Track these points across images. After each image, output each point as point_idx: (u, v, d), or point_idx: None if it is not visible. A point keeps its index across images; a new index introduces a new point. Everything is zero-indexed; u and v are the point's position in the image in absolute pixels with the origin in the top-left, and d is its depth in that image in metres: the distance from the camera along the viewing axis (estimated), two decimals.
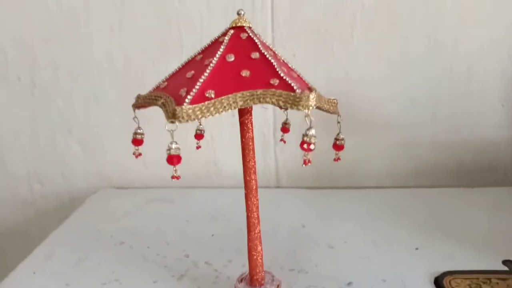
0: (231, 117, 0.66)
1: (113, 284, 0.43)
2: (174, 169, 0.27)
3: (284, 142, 0.42)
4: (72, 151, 0.70)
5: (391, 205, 0.59)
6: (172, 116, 0.26)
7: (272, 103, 0.26)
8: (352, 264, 0.45)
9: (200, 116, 0.26)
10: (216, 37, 0.32)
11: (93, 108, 0.68)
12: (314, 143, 0.26)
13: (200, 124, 0.40)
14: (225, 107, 0.27)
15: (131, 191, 0.67)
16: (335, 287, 0.41)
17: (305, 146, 0.26)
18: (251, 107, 0.34)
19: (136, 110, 0.33)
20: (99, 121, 0.68)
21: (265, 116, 0.67)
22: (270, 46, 0.32)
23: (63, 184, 0.71)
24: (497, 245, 0.48)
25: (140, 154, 0.34)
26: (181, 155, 0.27)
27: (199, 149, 0.42)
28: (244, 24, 0.32)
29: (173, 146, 0.27)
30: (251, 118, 0.34)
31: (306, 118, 0.26)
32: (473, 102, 0.65)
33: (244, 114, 0.34)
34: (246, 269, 0.39)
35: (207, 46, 0.32)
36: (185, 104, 0.26)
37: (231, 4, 0.62)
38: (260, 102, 0.27)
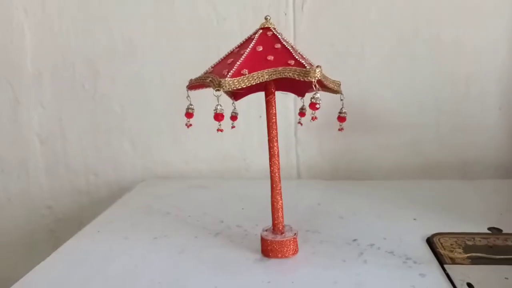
0: (259, 119, 0.78)
1: (162, 238, 0.53)
2: (219, 124, 0.38)
3: (301, 124, 0.53)
4: (124, 149, 0.82)
5: (397, 192, 0.67)
6: (218, 85, 0.37)
7: (289, 76, 0.37)
8: (358, 228, 0.54)
9: (238, 85, 0.37)
10: (249, 36, 0.44)
11: (143, 113, 0.80)
12: (319, 103, 0.37)
13: (235, 108, 0.51)
14: (255, 79, 0.38)
15: (173, 180, 0.79)
16: (342, 242, 0.50)
17: (313, 106, 0.36)
18: (275, 90, 0.45)
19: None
20: (147, 124, 0.81)
21: (287, 118, 0.78)
22: (290, 42, 0.43)
23: (114, 176, 0.83)
24: (485, 218, 0.56)
25: (191, 125, 0.45)
26: (224, 114, 0.38)
27: (234, 128, 0.52)
28: (270, 26, 0.43)
29: (218, 107, 0.38)
30: (274, 98, 0.45)
31: (313, 86, 0.36)
32: (473, 104, 0.74)
33: (268, 94, 0.45)
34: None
35: (242, 42, 0.44)
36: (227, 77, 0.38)
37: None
38: (280, 75, 0.38)
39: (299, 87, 0.49)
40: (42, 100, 0.81)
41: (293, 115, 0.77)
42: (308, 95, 0.50)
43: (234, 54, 0.43)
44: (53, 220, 0.85)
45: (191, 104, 0.45)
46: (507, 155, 0.75)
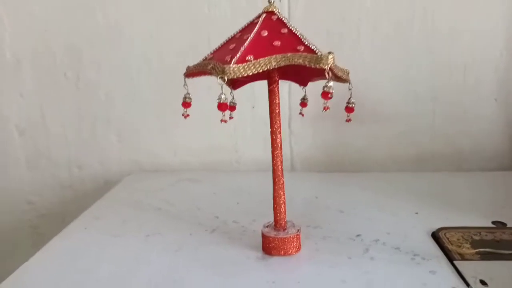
0: (251, 109, 0.75)
1: (156, 236, 0.50)
2: (223, 114, 0.35)
3: (303, 115, 0.50)
4: (109, 140, 0.78)
5: (394, 185, 0.66)
6: (221, 72, 0.34)
7: (299, 62, 0.34)
8: (361, 223, 0.52)
9: (243, 72, 0.34)
10: (251, 20, 0.41)
11: (129, 102, 0.76)
12: (332, 92, 0.34)
13: (233, 98, 0.48)
14: (262, 66, 0.35)
15: (162, 173, 0.75)
16: (345, 237, 0.48)
17: (326, 95, 0.34)
18: (278, 78, 0.42)
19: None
20: (134, 113, 0.77)
21: (282, 110, 0.75)
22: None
23: (99, 169, 0.79)
24: (487, 211, 0.55)
25: (188, 115, 0.42)
26: (228, 103, 0.35)
27: (232, 119, 0.49)
28: (274, 10, 0.40)
29: (222, 96, 0.35)
30: (278, 87, 0.42)
31: (326, 73, 0.34)
32: (469, 95, 0.73)
33: (272, 83, 0.42)
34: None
35: (244, 27, 0.41)
36: (232, 64, 0.35)
37: (254, 11, 0.70)
38: (289, 62, 0.35)
39: (302, 75, 0.47)
40: (21, 89, 0.76)
41: (287, 106, 0.75)
42: (313, 84, 0.47)
43: (236, 39, 0.40)
44: (35, 215, 0.80)
45: (188, 93, 0.42)
46: (502, 146, 0.75)
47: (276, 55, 0.35)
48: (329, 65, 0.34)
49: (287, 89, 0.73)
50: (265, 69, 0.35)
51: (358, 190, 0.64)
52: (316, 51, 0.35)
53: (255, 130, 0.76)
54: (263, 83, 0.43)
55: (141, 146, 0.78)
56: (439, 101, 0.73)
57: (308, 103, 0.49)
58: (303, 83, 0.48)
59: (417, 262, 0.43)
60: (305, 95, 0.49)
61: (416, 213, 0.55)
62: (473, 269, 0.41)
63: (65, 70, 0.75)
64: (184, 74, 0.42)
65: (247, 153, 0.77)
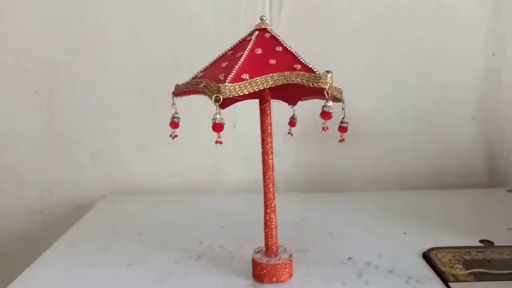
0: (233, 128, 0.73)
1: (138, 265, 0.47)
2: (218, 135, 0.33)
3: (291, 134, 0.49)
4: (83, 161, 0.74)
5: (378, 205, 0.65)
6: (217, 91, 0.33)
7: (297, 81, 0.33)
8: (350, 246, 0.51)
9: (239, 91, 0.33)
10: (243, 37, 0.39)
11: (105, 121, 0.73)
12: (331, 112, 0.33)
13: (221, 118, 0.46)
14: (258, 85, 0.33)
15: (139, 196, 0.72)
16: (338, 261, 0.47)
17: (326, 115, 0.32)
18: (270, 97, 0.41)
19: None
20: (110, 133, 0.73)
21: None
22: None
23: (72, 192, 0.74)
24: (473, 230, 0.55)
25: (176, 136, 0.40)
26: (223, 124, 0.33)
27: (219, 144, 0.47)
28: (266, 27, 0.39)
29: (218, 116, 0.33)
30: (270, 106, 0.41)
31: (325, 92, 0.32)
32: (449, 114, 0.74)
33: (264, 102, 0.41)
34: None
35: (235, 44, 0.39)
36: (227, 82, 0.33)
37: (236, 26, 0.69)
38: (287, 81, 0.33)
39: (292, 94, 0.46)
40: None
41: None
42: (302, 104, 0.46)
43: (228, 57, 0.38)
44: (2, 241, 0.75)
45: (176, 113, 0.40)
46: (480, 163, 0.76)
47: (273, 73, 0.34)
48: (329, 84, 0.33)
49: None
50: (262, 88, 0.34)
51: (344, 210, 0.63)
52: (314, 70, 0.34)
53: (236, 150, 0.74)
54: (244, 102, 0.42)
55: (117, 167, 0.74)
56: (420, 120, 0.74)
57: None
58: (292, 102, 0.47)
59: (412, 285, 0.42)
60: (293, 114, 0.48)
61: (405, 233, 0.55)
62: None
63: (37, 87, 0.71)
64: (173, 93, 0.40)
65: (228, 173, 0.75)
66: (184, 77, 0.70)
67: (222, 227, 0.57)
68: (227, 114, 0.72)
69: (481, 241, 0.52)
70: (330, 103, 0.33)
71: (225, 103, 0.47)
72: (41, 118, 0.72)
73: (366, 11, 0.71)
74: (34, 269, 0.47)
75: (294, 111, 0.48)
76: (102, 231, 0.57)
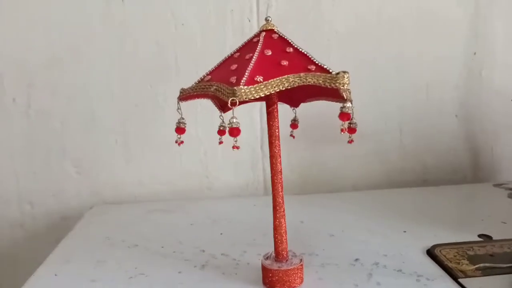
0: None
1: (140, 277, 0.45)
2: (235, 140, 0.32)
3: (293, 137, 0.48)
4: (65, 172, 0.71)
5: (372, 204, 0.66)
6: (232, 95, 0.31)
7: (314, 82, 0.32)
8: (355, 246, 0.51)
9: (255, 94, 0.32)
10: (249, 39, 0.38)
11: (88, 129, 0.70)
12: (350, 113, 0.32)
13: (223, 122, 0.45)
14: (274, 87, 0.33)
15: (127, 205, 0.69)
16: (345, 263, 0.47)
17: (344, 116, 0.32)
18: (277, 100, 0.40)
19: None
20: (94, 142, 0.70)
21: (254, 132, 0.73)
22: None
23: (55, 204, 0.71)
24: (469, 225, 0.56)
25: (182, 142, 0.38)
26: (240, 128, 0.32)
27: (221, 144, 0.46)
28: (273, 28, 0.38)
29: (234, 120, 0.32)
30: (277, 108, 0.40)
31: (343, 93, 0.32)
32: (433, 112, 0.76)
33: (271, 105, 0.40)
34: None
35: (242, 46, 0.38)
36: (241, 85, 0.32)
37: (223, 30, 0.68)
38: (303, 82, 0.33)
39: (297, 96, 0.45)
40: None
41: (259, 127, 0.73)
42: (305, 105, 0.46)
43: (235, 59, 0.37)
44: None
45: (182, 118, 0.38)
46: (464, 160, 0.78)
47: (288, 75, 0.33)
48: (346, 84, 0.32)
49: (259, 108, 0.71)
50: (277, 90, 0.33)
51: (341, 211, 0.63)
52: (330, 70, 0.33)
53: (225, 154, 0.72)
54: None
55: (102, 176, 0.72)
56: (405, 119, 0.75)
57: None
58: (294, 104, 0.46)
59: (423, 283, 0.42)
60: (295, 116, 0.48)
61: (404, 231, 0.55)
62: (479, 286, 0.41)
63: (14, 95, 0.68)
64: (178, 97, 0.38)
65: (219, 178, 0.74)
66: (171, 82, 0.69)
67: (221, 233, 0.56)
68: (216, 118, 0.71)
69: (479, 235, 0.53)
70: (349, 104, 0.32)
71: (226, 107, 0.46)
72: (19, 127, 0.69)
73: (352, 15, 0.71)
74: None
75: (295, 113, 0.48)
76: (96, 244, 0.54)
